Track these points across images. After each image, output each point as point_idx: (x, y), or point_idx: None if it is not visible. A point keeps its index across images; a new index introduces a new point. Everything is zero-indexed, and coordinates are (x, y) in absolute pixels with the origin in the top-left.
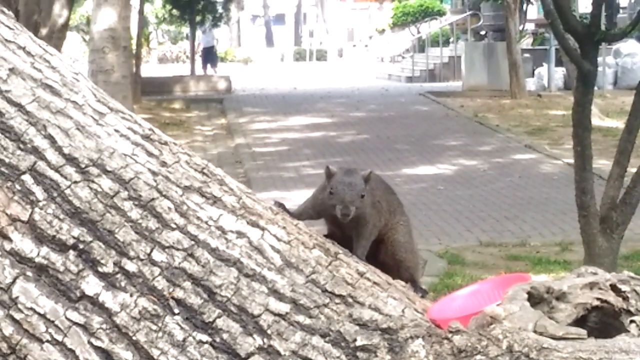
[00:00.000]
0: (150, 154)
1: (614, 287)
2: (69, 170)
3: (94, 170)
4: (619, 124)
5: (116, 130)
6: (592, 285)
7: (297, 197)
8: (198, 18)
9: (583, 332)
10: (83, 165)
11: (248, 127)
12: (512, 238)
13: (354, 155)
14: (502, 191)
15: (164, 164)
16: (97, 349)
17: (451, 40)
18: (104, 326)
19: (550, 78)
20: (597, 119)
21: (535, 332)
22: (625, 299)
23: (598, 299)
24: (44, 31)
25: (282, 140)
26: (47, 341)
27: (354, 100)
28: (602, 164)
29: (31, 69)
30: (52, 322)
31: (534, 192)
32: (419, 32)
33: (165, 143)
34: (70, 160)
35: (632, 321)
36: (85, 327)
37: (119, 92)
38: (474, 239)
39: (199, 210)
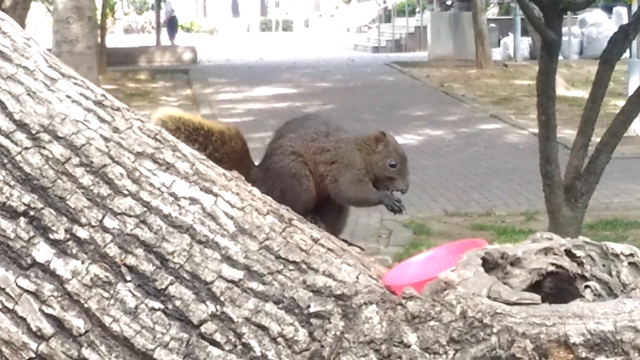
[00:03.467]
0: (102, 120)
1: (568, 253)
2: (20, 136)
3: (45, 137)
4: (585, 93)
5: (68, 96)
6: (546, 251)
7: None
8: None
9: (537, 297)
10: (34, 132)
11: (214, 97)
12: (478, 208)
13: None
14: (468, 161)
15: (116, 129)
16: (48, 316)
17: (417, 10)
18: (55, 294)
19: (516, 48)
20: (562, 89)
21: (489, 297)
22: (580, 264)
23: (553, 264)
24: (7, 2)
25: (248, 111)
26: None
27: (320, 70)
28: (568, 133)
29: None
30: (3, 289)
31: (500, 161)
32: (385, 2)
33: (118, 109)
34: (21, 126)
35: (586, 286)
36: (36, 295)
37: (83, 62)
38: (439, 208)
39: (151, 176)
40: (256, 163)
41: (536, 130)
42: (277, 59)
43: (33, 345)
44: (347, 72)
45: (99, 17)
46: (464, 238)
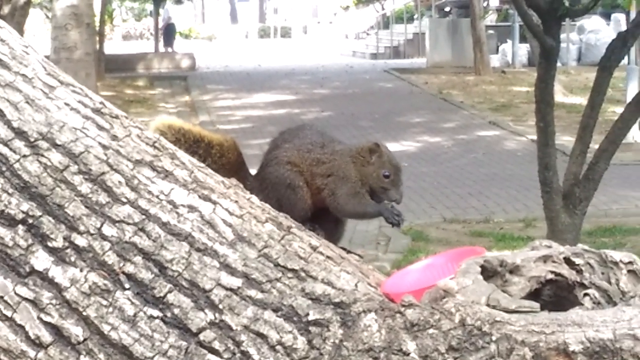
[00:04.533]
0: (100, 128)
1: (567, 260)
2: (18, 144)
3: (43, 144)
4: (583, 100)
5: (66, 104)
6: (545, 259)
7: None
8: None
9: (536, 305)
10: (32, 139)
11: (212, 104)
12: (476, 214)
13: None
14: (466, 168)
15: (114, 137)
16: (46, 324)
17: (415, 16)
18: (53, 301)
19: (515, 54)
20: (560, 96)
21: (488, 305)
22: (579, 272)
23: (552, 272)
24: (6, 9)
25: (246, 118)
26: None
27: (318, 77)
28: (566, 140)
29: None
30: (1, 297)
31: (498, 168)
32: (383, 9)
33: (117, 117)
34: (19, 134)
35: (585, 294)
36: (34, 303)
37: (82, 69)
38: (438, 215)
39: (150, 184)
40: (252, 171)
41: (534, 137)
42: (275, 65)
43: (32, 353)
44: (345, 78)
45: (97, 23)
46: (462, 245)
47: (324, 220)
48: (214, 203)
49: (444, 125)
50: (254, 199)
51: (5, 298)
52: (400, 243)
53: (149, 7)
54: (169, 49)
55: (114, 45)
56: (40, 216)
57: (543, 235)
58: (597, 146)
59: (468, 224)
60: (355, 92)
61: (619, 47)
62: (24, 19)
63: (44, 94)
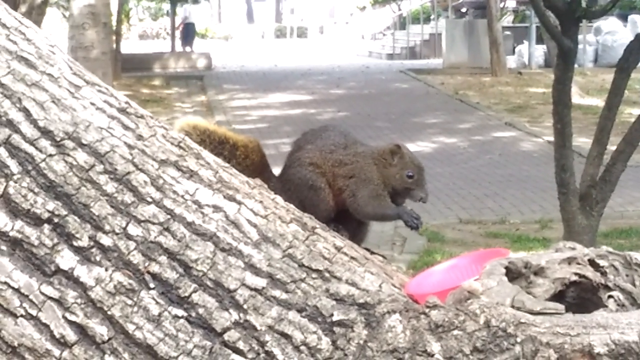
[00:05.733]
0: (126, 127)
1: (592, 262)
2: (44, 143)
3: (69, 144)
4: (599, 101)
5: (92, 104)
6: (570, 260)
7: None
8: None
9: (561, 307)
10: (58, 139)
11: (228, 104)
12: (492, 215)
13: None
14: (482, 169)
15: (140, 137)
16: (71, 323)
17: (432, 17)
18: (78, 301)
19: (531, 55)
20: (577, 97)
21: (512, 307)
22: (604, 274)
23: (576, 274)
24: (23, 8)
25: (262, 118)
26: (22, 316)
27: (334, 77)
28: (582, 141)
29: (6, 41)
30: (27, 296)
31: (514, 169)
32: (399, 9)
33: (142, 116)
34: (46, 133)
35: (610, 296)
36: (59, 302)
37: (98, 68)
38: (453, 216)
39: (175, 184)
40: (272, 170)
41: (550, 138)
42: (291, 65)
43: (56, 352)
44: (361, 79)
45: (114, 23)
46: (478, 246)
47: (348, 221)
48: (239, 203)
49: (460, 126)
50: (279, 199)
51: (31, 297)
52: (415, 244)
53: (166, 6)
54: (188, 48)
55: (130, 45)
56: (66, 215)
57: (559, 237)
58: (614, 148)
59: (484, 224)
60: (371, 92)
61: (636, 48)
62: (41, 18)
63: (70, 93)
